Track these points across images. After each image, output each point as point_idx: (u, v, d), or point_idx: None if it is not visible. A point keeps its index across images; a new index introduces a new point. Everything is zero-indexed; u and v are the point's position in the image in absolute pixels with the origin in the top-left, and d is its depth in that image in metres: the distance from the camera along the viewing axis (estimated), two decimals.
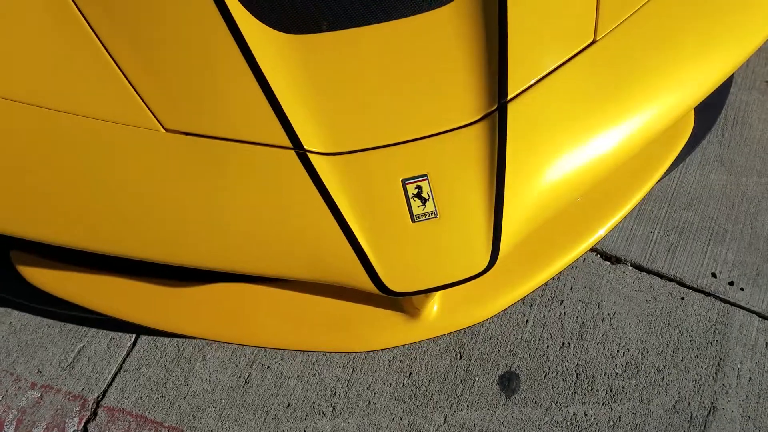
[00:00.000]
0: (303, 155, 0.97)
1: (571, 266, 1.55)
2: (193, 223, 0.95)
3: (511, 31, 1.04)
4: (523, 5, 1.06)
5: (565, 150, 1.02)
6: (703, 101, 1.28)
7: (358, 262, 0.96)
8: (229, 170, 0.96)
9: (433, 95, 1.02)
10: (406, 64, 1.03)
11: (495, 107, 1.01)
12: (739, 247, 1.59)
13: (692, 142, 1.51)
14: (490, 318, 1.27)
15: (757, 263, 1.58)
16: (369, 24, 1.04)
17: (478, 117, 1.01)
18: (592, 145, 1.04)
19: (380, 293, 0.97)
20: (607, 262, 1.57)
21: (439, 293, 1.20)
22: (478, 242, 0.98)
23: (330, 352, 1.43)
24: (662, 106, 1.09)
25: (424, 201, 0.98)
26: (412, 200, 0.98)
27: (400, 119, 1.00)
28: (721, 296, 1.53)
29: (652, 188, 1.66)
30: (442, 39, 1.04)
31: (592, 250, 1.57)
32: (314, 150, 0.97)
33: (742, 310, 1.52)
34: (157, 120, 0.98)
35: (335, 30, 1.03)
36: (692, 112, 1.48)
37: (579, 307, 1.51)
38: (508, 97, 1.02)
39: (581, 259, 1.56)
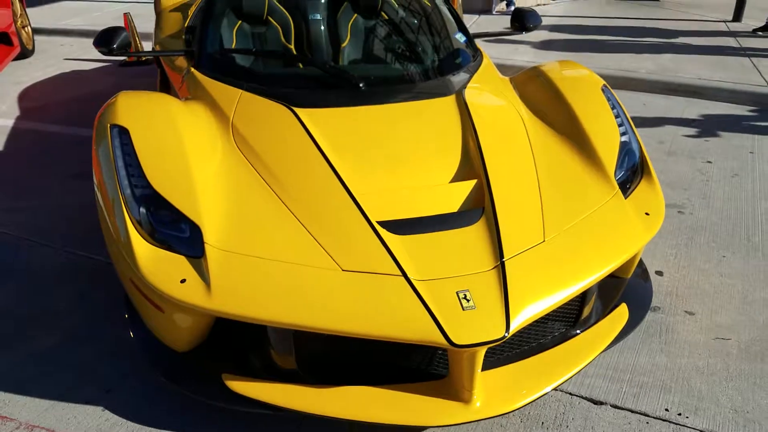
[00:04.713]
0: (409, 280, 1.99)
1: (571, 406, 2.32)
2: (363, 315, 1.93)
3: (503, 233, 2.17)
4: (509, 226, 2.21)
5: (534, 284, 2.04)
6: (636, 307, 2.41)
7: (440, 333, 1.88)
8: (372, 287, 1.98)
9: (472, 260, 2.10)
10: (456, 245, 2.14)
11: (499, 262, 2.07)
12: (667, 394, 2.36)
13: (626, 329, 2.46)
14: (513, 410, 2.03)
15: (695, 403, 2.34)
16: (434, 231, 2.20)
17: (492, 266, 2.07)
18: (547, 285, 2.07)
19: (450, 346, 1.86)
20: (592, 404, 2.33)
21: (480, 388, 2.03)
22: (497, 323, 1.92)
23: (416, 426, 2.13)
24: (581, 276, 2.14)
25: (468, 301, 1.96)
26: (462, 300, 1.96)
27: (456, 269, 2.06)
28: (672, 421, 2.25)
29: (616, 365, 2.52)
30: (473, 236, 2.17)
31: (581, 396, 2.36)
32: (413, 277, 2.01)
33: (688, 428, 2.21)
34: (338, 265, 2.05)
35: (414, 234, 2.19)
36: (626, 309, 2.49)
37: (579, 429, 2.22)
38: (505, 259, 2.09)
39: (578, 402, 2.34)
